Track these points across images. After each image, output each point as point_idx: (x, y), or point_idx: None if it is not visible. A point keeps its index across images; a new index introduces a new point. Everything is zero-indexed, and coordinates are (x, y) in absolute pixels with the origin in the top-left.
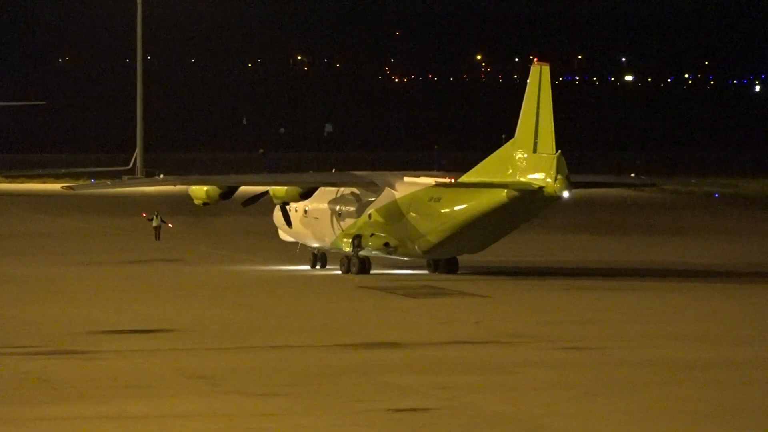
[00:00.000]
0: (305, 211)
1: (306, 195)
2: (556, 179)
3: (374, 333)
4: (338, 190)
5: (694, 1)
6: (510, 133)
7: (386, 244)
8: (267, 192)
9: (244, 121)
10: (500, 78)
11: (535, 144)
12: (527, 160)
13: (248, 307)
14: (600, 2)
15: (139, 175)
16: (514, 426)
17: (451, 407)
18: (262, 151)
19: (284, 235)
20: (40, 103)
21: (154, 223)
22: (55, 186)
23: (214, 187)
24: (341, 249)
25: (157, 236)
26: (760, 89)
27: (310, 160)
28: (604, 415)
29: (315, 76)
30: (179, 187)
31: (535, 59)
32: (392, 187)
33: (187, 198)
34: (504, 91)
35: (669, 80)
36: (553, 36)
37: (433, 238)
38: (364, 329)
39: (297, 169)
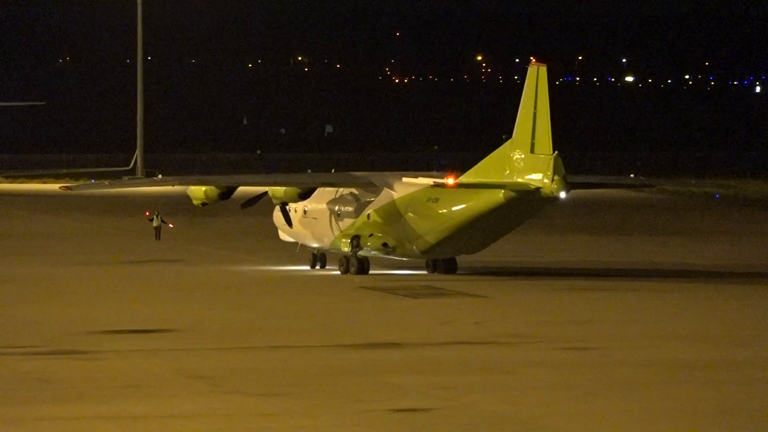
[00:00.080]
0: (304, 212)
1: (305, 195)
2: (553, 180)
3: (374, 333)
4: (337, 191)
5: (695, 1)
6: (510, 134)
7: (385, 245)
8: (266, 193)
9: (245, 122)
10: (500, 78)
11: (533, 144)
12: (524, 160)
13: (248, 307)
14: (600, 3)
15: (139, 176)
16: (514, 426)
17: (451, 407)
18: (259, 152)
19: (284, 236)
20: (40, 103)
21: (155, 224)
22: (55, 186)
23: (213, 188)
24: (340, 249)
25: (158, 236)
26: (760, 90)
27: (311, 160)
28: (604, 415)
29: (315, 76)
30: (179, 188)
31: (534, 59)
32: (391, 187)
33: (187, 198)
34: (504, 91)
35: (669, 81)
36: (553, 36)
37: (431, 239)
38: (364, 329)
39: (295, 169)
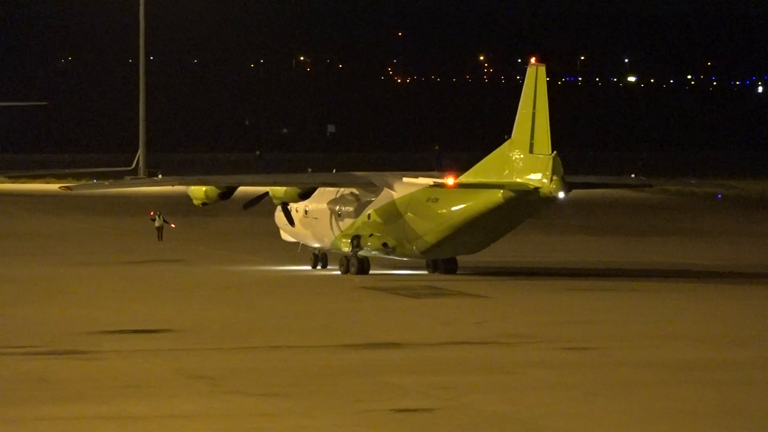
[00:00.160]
0: (305, 212)
1: (305, 195)
2: (551, 180)
3: (375, 333)
4: (338, 191)
5: (697, 1)
6: (511, 134)
7: (385, 245)
8: (267, 193)
9: (246, 122)
10: (502, 78)
11: (532, 145)
12: (523, 160)
13: (248, 307)
14: (602, 3)
15: (141, 176)
16: (514, 426)
17: (451, 407)
18: (258, 152)
19: (286, 236)
20: (42, 103)
21: (157, 224)
22: (57, 186)
23: (213, 188)
24: (341, 249)
25: (160, 236)
26: (762, 90)
27: (313, 160)
28: (605, 415)
29: (317, 76)
30: (180, 188)
31: (534, 59)
32: (391, 187)
33: (188, 198)
34: (506, 91)
35: (671, 81)
36: (555, 37)
37: (431, 239)
38: (364, 329)
39: (296, 169)
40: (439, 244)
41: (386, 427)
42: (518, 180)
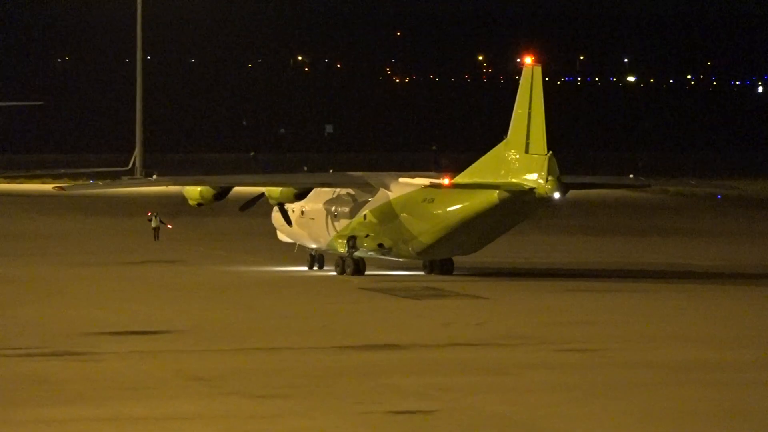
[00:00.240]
0: (302, 212)
1: (301, 195)
2: (547, 180)
3: (374, 334)
4: (334, 191)
5: (697, 1)
6: None
7: (381, 245)
8: (263, 194)
9: (244, 122)
10: (501, 78)
11: (527, 145)
12: (519, 160)
13: (247, 308)
14: (602, 2)
15: (138, 176)
16: (514, 427)
17: (451, 409)
18: (253, 153)
19: (282, 236)
20: (39, 103)
21: (153, 224)
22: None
23: (208, 188)
24: (337, 250)
25: (156, 237)
26: (762, 90)
27: (311, 160)
28: (605, 416)
29: (315, 76)
30: (177, 188)
31: (530, 60)
32: (387, 187)
33: (183, 199)
34: (505, 91)
35: (671, 81)
36: (554, 36)
37: (426, 240)
38: (363, 331)
39: (293, 169)
40: (435, 245)
41: (386, 429)
42: (514, 180)
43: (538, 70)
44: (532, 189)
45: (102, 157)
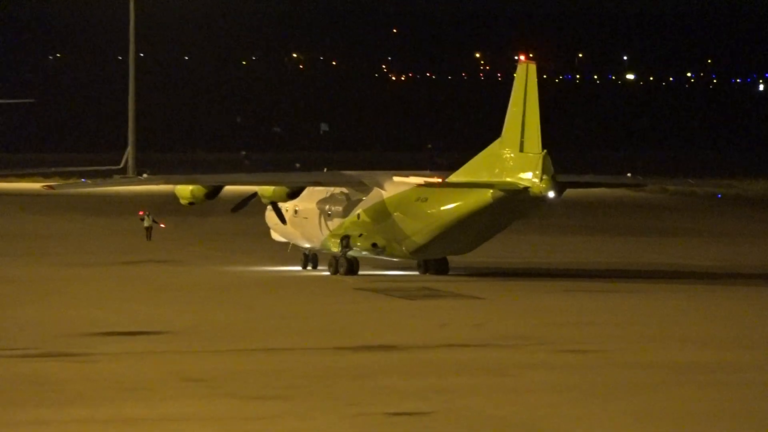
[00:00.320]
0: (295, 212)
1: (294, 195)
2: (541, 179)
3: (371, 335)
4: (327, 190)
5: None
6: None
7: (374, 245)
8: (255, 194)
9: (239, 120)
10: (499, 76)
11: (522, 143)
12: (514, 159)
13: (243, 308)
14: (601, 0)
15: (130, 175)
16: (512, 429)
17: (448, 410)
18: (244, 153)
19: (276, 236)
20: (30, 101)
21: (146, 224)
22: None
23: (200, 187)
24: (330, 249)
25: (149, 236)
26: (763, 88)
27: (306, 159)
28: (604, 417)
29: (311, 74)
30: (169, 187)
31: (524, 57)
32: (381, 186)
33: (176, 198)
34: (503, 89)
35: (671, 79)
36: (552, 34)
37: (420, 239)
38: (360, 332)
39: (286, 168)
40: (429, 245)
41: (383, 430)
42: (508, 179)
43: (533, 67)
44: (526, 188)
45: (94, 155)
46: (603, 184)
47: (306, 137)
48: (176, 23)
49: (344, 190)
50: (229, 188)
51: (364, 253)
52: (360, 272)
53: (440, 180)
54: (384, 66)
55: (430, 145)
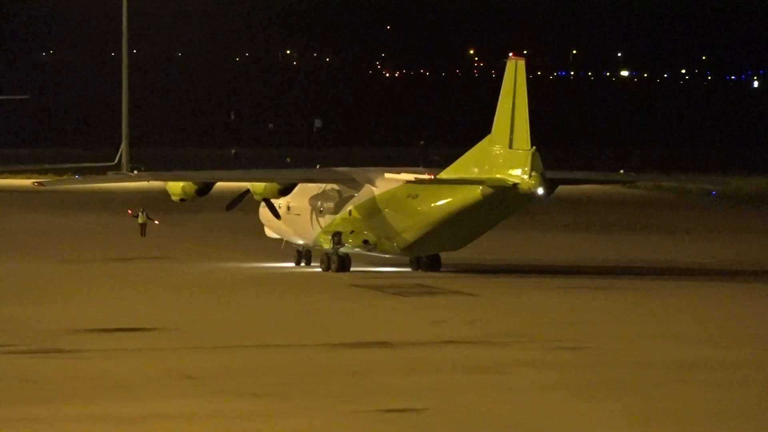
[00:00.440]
0: (288, 208)
1: (286, 191)
2: (530, 176)
3: (365, 332)
4: (319, 187)
5: None
6: None
7: (366, 242)
8: (248, 191)
9: (232, 116)
10: (493, 73)
11: (511, 140)
12: (503, 156)
13: (236, 305)
14: None
15: (124, 171)
16: (507, 426)
17: (442, 408)
18: (234, 151)
19: (269, 232)
20: (24, 97)
21: (140, 220)
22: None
23: (190, 183)
24: (322, 246)
25: (143, 233)
26: (758, 85)
27: (299, 156)
28: (600, 415)
29: (304, 70)
30: (161, 184)
31: (512, 54)
32: (372, 183)
33: (167, 194)
34: (497, 86)
35: (665, 76)
36: (547, 31)
37: (410, 236)
38: (354, 329)
39: (277, 165)
40: (419, 241)
41: (376, 428)
42: (498, 176)
43: (522, 64)
44: (515, 184)
45: (89, 152)
46: (594, 180)
47: (299, 133)
48: (169, 20)
49: (336, 186)
50: (221, 186)
51: (355, 249)
52: (352, 269)
53: (430, 177)
54: (377, 62)
55: (422, 142)
